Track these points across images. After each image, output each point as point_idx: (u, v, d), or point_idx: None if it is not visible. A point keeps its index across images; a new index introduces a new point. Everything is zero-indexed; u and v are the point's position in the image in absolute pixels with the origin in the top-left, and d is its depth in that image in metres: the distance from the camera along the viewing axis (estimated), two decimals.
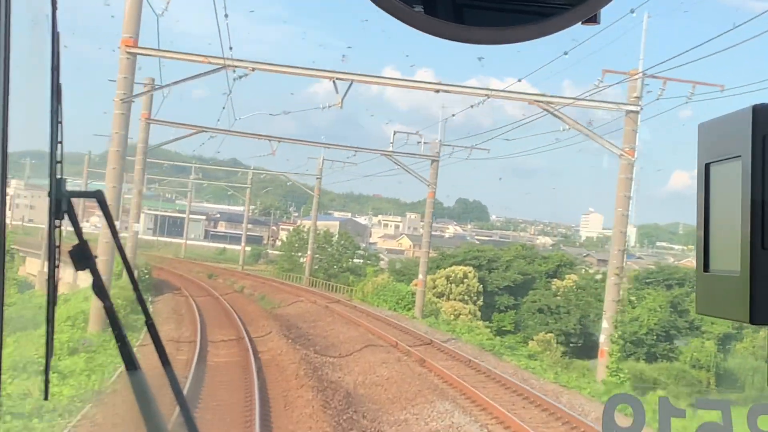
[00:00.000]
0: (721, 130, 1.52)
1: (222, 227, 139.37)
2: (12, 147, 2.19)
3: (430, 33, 1.46)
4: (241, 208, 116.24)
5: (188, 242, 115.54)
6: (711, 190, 1.53)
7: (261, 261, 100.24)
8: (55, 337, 2.63)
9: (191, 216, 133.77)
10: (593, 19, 1.45)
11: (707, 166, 1.54)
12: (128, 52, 28.36)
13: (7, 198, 2.32)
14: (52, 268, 2.51)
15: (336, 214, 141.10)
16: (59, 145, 2.47)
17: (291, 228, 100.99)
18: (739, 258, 1.43)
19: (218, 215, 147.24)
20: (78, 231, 2.57)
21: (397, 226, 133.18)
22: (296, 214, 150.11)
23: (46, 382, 2.85)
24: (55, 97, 2.46)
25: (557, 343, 47.37)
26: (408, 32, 1.45)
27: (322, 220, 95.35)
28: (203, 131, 43.75)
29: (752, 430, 2.82)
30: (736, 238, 1.44)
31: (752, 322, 1.41)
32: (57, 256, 2.53)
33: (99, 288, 2.58)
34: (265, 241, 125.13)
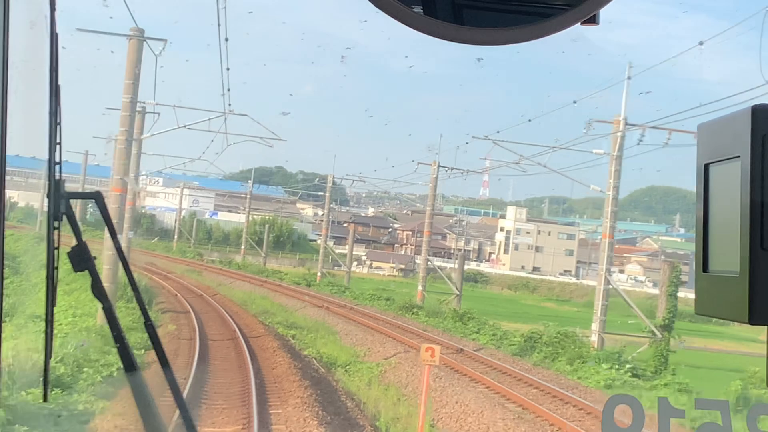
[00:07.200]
0: (720, 130, 1.52)
1: None
2: (11, 148, 2.19)
3: (429, 34, 1.46)
4: None
5: None
6: (710, 190, 1.53)
7: None
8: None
9: None
10: (592, 20, 1.45)
11: (706, 167, 1.54)
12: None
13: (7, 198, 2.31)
14: (52, 268, 2.50)
15: None
16: (58, 147, 2.47)
17: None
18: (738, 258, 1.43)
19: None
20: (77, 232, 2.56)
21: None
22: None
23: (45, 383, 2.85)
24: (53, 98, 2.46)
25: None
26: (408, 33, 1.45)
27: None
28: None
29: (752, 430, 2.82)
30: (735, 238, 1.44)
31: (751, 322, 1.41)
32: (55, 258, 2.52)
33: (98, 289, 2.57)
34: None
